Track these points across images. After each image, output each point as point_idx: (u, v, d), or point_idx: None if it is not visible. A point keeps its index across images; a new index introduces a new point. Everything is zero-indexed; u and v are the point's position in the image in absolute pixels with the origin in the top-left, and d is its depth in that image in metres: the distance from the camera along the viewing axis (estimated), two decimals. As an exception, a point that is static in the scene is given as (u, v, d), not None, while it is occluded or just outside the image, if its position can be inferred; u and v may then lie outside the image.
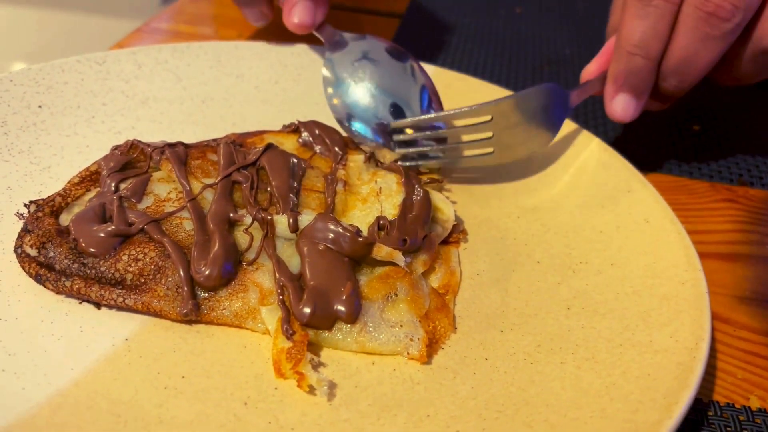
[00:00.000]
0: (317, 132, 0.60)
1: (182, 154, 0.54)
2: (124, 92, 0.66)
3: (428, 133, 0.59)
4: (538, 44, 0.94)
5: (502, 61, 0.88)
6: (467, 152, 0.60)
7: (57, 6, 4.53)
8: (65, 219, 0.49)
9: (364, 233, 0.49)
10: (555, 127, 0.60)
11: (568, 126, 0.65)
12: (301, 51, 0.73)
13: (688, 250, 0.49)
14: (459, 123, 0.59)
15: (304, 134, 0.60)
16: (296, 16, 0.65)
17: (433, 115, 0.59)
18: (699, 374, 0.40)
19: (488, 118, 0.57)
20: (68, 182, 0.53)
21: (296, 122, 0.61)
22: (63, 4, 4.44)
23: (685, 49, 0.58)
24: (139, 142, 0.54)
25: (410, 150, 0.60)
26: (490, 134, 0.58)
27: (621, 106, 0.60)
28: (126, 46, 0.82)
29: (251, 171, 0.53)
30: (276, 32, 0.87)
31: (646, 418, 0.37)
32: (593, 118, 0.77)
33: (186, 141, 0.59)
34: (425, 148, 0.60)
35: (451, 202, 0.57)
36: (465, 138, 0.59)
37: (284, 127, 0.62)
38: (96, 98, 0.64)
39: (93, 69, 0.66)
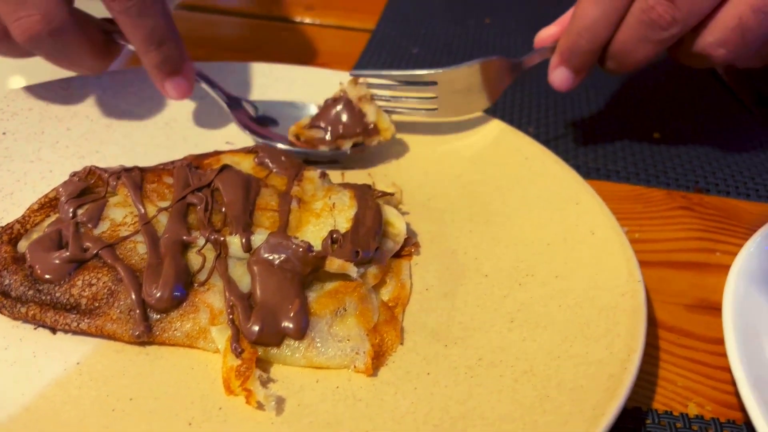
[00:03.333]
0: (274, 152, 0.61)
1: (138, 179, 0.55)
2: (89, 116, 0.67)
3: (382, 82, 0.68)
4: (506, 53, 0.95)
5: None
6: (413, 106, 0.68)
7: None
8: (23, 246, 0.51)
9: (318, 248, 0.51)
10: (496, 92, 0.69)
11: (521, 138, 0.66)
12: (264, 69, 0.75)
13: (629, 262, 0.51)
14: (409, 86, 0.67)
15: (261, 154, 0.61)
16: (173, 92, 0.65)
17: (385, 72, 0.68)
18: (628, 385, 0.41)
19: (434, 81, 0.66)
20: (28, 209, 0.54)
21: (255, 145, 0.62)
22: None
23: (624, 44, 0.62)
24: (97, 168, 0.56)
25: (365, 73, 0.68)
26: (434, 95, 0.67)
27: (560, 78, 0.67)
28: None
29: (206, 192, 0.55)
30: (241, 50, 0.89)
31: (575, 430, 0.39)
32: (562, 118, 0.78)
33: (149, 163, 0.61)
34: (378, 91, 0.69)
35: (405, 216, 0.59)
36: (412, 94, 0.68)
37: (242, 148, 0.63)
38: (61, 123, 0.66)
39: (58, 94, 0.68)
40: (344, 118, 0.67)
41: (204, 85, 0.68)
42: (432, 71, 0.66)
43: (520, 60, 0.68)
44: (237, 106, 0.69)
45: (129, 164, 0.61)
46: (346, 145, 0.65)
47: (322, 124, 0.67)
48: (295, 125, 0.68)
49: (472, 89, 0.67)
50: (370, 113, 0.67)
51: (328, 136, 0.66)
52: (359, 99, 0.67)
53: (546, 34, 0.69)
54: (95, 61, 0.63)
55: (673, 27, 0.59)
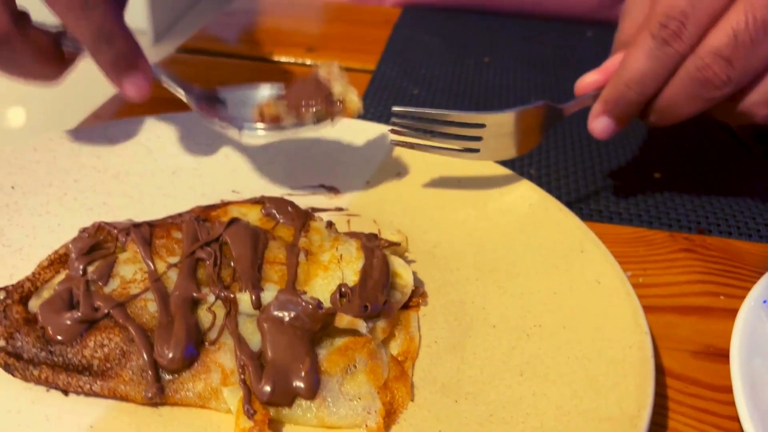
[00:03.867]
0: (280, 202, 0.62)
1: (147, 234, 0.56)
2: (96, 167, 0.68)
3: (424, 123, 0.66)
4: (505, 93, 0.96)
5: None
6: (455, 145, 0.66)
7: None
8: (34, 304, 0.51)
9: (327, 303, 0.51)
10: (537, 138, 0.67)
11: (524, 184, 0.67)
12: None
13: (635, 312, 0.51)
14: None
15: (267, 205, 0.62)
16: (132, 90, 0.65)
17: (432, 110, 0.65)
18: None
19: (483, 123, 0.64)
20: (38, 266, 0.54)
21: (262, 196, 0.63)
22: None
23: (672, 99, 0.62)
24: (106, 223, 0.56)
25: (412, 110, 0.65)
26: (480, 136, 0.65)
27: (601, 126, 0.65)
28: (102, 116, 0.84)
29: (214, 247, 0.55)
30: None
31: (588, 491, 0.39)
32: (564, 166, 0.79)
33: (157, 214, 0.61)
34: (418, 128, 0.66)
35: (411, 265, 0.59)
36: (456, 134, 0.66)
37: (249, 199, 0.64)
38: (68, 175, 0.67)
39: (65, 146, 0.69)
40: (309, 94, 0.65)
41: (163, 79, 0.67)
42: (482, 114, 0.65)
43: (562, 107, 0.67)
44: (196, 94, 0.68)
45: (137, 216, 0.62)
46: (308, 118, 0.64)
47: (287, 102, 0.65)
48: (258, 104, 0.67)
49: (516, 134, 0.66)
50: (337, 89, 0.65)
51: (291, 112, 0.65)
52: (328, 76, 0.66)
53: (588, 81, 0.68)
54: (46, 68, 0.63)
55: (726, 87, 0.59)
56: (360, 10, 1.21)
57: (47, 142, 0.68)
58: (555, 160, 0.80)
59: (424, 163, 0.71)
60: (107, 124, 0.72)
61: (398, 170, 0.71)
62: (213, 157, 0.72)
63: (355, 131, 0.75)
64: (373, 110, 0.89)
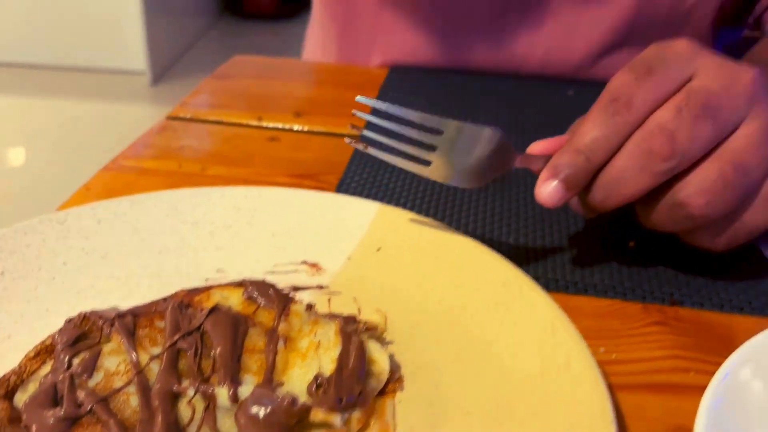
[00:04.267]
0: (261, 286, 0.64)
1: (131, 324, 0.57)
2: (84, 249, 0.70)
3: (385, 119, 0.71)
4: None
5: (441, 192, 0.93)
6: (410, 152, 0.70)
7: (48, 93, 4.62)
8: (20, 399, 0.53)
9: (303, 394, 0.53)
10: (490, 173, 0.69)
11: (499, 261, 0.69)
12: (255, 193, 0.78)
13: (603, 401, 0.53)
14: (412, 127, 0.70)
15: (249, 288, 0.64)
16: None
17: (393, 107, 0.70)
18: None
19: (440, 130, 0.68)
20: (24, 357, 0.56)
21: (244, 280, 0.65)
22: (53, 90, 4.54)
23: (620, 170, 0.64)
24: (91, 314, 0.58)
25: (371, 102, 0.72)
26: (435, 146, 0.68)
27: (549, 192, 0.66)
28: (92, 188, 0.87)
29: (195, 336, 0.57)
30: (232, 162, 0.92)
31: None
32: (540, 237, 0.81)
33: (143, 296, 0.64)
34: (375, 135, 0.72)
35: (389, 346, 0.61)
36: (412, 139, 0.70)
37: (231, 282, 0.66)
38: (57, 258, 0.69)
39: (54, 229, 0.71)
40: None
41: None
42: (442, 119, 0.68)
43: (514, 151, 0.70)
44: None
45: (123, 298, 0.64)
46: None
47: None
48: None
49: (470, 155, 0.68)
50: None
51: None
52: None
53: (539, 147, 0.71)
54: None
55: (672, 159, 0.61)
56: (347, 71, 1.25)
57: (37, 225, 0.70)
58: (533, 230, 0.83)
59: (403, 237, 0.73)
60: (96, 205, 0.74)
61: (379, 245, 0.73)
62: (198, 234, 0.74)
63: (339, 205, 0.77)
64: (357, 180, 0.91)
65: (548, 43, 1.19)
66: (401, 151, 0.71)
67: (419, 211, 0.85)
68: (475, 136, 0.69)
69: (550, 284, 0.74)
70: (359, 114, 0.72)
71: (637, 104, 0.63)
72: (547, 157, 0.68)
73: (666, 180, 0.63)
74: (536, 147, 0.71)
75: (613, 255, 0.79)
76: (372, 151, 0.72)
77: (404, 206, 0.86)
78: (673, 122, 0.61)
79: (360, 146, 0.72)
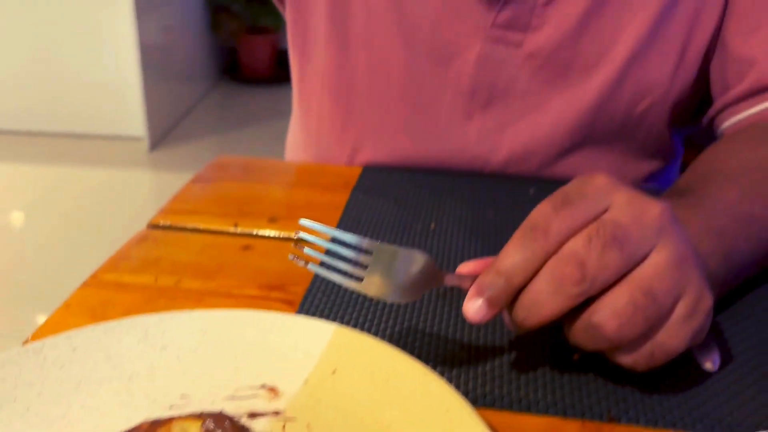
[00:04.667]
0: (218, 418, 0.69)
1: (94, 465, 0.63)
2: (59, 378, 0.76)
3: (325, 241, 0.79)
4: (448, 258, 1.05)
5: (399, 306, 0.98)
6: (345, 268, 0.77)
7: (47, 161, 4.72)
8: None
9: None
10: (418, 291, 0.77)
11: (444, 388, 0.74)
12: (220, 316, 0.84)
13: None
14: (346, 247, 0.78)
15: (207, 421, 0.69)
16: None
17: (330, 229, 0.79)
18: None
19: (370, 251, 0.76)
20: (-4, 497, 0.61)
21: (203, 411, 0.70)
22: (52, 156, 4.64)
23: (536, 294, 0.70)
24: (58, 454, 0.63)
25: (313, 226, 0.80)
26: (366, 264, 0.76)
27: (474, 309, 0.73)
28: (72, 305, 0.92)
29: (154, 475, 0.62)
30: (205, 274, 0.97)
31: None
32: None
33: (112, 425, 0.69)
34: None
35: (338, 477, 0.66)
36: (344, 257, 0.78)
37: (190, 414, 0.71)
38: (32, 389, 0.74)
39: (31, 359, 0.76)
40: None
41: None
42: (371, 241, 0.77)
43: (442, 272, 0.77)
44: None
45: (92, 428, 0.69)
46: None
47: None
48: None
49: (401, 274, 0.76)
50: None
51: None
52: None
53: (468, 267, 0.78)
54: None
55: (582, 285, 0.68)
56: (322, 171, 1.32)
57: (15, 356, 0.76)
58: (476, 346, 0.88)
59: (357, 360, 0.78)
60: (71, 333, 0.79)
61: (334, 367, 0.79)
62: (167, 359, 0.79)
63: (298, 326, 0.83)
64: (322, 291, 0.97)
65: (510, 145, 1.26)
66: (339, 269, 0.78)
67: (378, 323, 0.91)
68: (405, 258, 0.77)
69: (496, 402, 0.78)
70: (302, 235, 0.81)
71: (554, 232, 0.70)
72: (475, 277, 0.75)
73: (582, 302, 0.69)
74: (466, 267, 0.79)
75: (557, 368, 0.84)
76: (312, 267, 0.79)
77: (366, 317, 0.92)
78: (583, 250, 0.68)
79: (301, 263, 0.79)
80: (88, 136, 4.78)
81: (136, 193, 4.22)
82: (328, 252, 0.78)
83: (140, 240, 1.09)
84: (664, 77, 1.14)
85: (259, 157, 1.39)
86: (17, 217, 4.03)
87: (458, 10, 1.13)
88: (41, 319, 2.55)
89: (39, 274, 3.43)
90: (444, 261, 1.05)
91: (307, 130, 1.42)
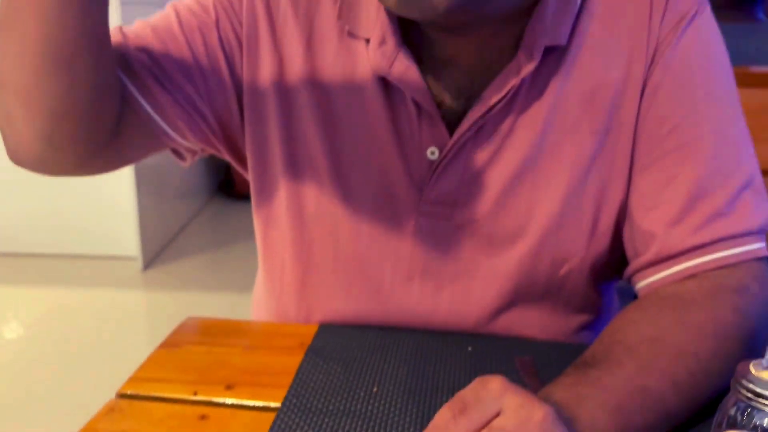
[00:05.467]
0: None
1: None
2: None
3: None
4: (389, 422, 1.15)
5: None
6: None
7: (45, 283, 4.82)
8: None
9: None
10: None
11: None
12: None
13: None
14: None
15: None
16: None
17: None
18: None
19: None
20: None
21: None
22: (45, 278, 4.75)
23: None
24: None
25: None
26: None
27: None
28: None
29: None
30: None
31: None
32: None
33: None
34: None
35: None
36: None
37: None
38: None
39: None
40: None
41: None
42: None
43: None
44: None
45: None
46: None
47: None
48: None
49: None
50: None
51: None
52: None
53: None
54: None
55: None
56: (279, 332, 1.43)
57: None
58: None
59: None
60: None
61: None
62: None
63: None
64: (266, 464, 1.06)
65: (447, 306, 1.39)
66: None
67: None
68: None
69: None
70: None
71: (472, 414, 0.83)
72: None
73: None
74: None
75: None
76: None
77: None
78: None
79: None
80: (80, 256, 4.91)
81: (128, 314, 4.32)
82: None
83: (107, 411, 1.20)
84: (579, 247, 1.28)
85: (225, 318, 1.51)
86: (13, 328, 4.10)
87: (393, 191, 1.29)
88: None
89: (22, 405, 3.44)
90: (385, 426, 1.15)
91: (271, 289, 1.55)
